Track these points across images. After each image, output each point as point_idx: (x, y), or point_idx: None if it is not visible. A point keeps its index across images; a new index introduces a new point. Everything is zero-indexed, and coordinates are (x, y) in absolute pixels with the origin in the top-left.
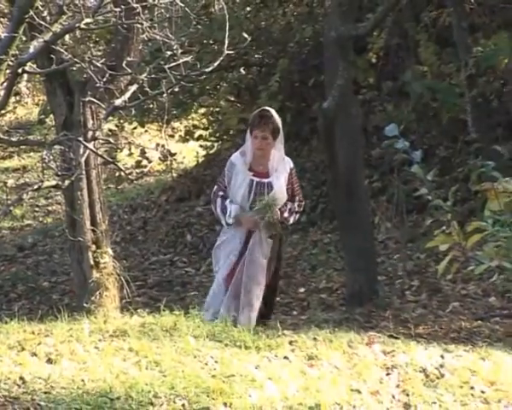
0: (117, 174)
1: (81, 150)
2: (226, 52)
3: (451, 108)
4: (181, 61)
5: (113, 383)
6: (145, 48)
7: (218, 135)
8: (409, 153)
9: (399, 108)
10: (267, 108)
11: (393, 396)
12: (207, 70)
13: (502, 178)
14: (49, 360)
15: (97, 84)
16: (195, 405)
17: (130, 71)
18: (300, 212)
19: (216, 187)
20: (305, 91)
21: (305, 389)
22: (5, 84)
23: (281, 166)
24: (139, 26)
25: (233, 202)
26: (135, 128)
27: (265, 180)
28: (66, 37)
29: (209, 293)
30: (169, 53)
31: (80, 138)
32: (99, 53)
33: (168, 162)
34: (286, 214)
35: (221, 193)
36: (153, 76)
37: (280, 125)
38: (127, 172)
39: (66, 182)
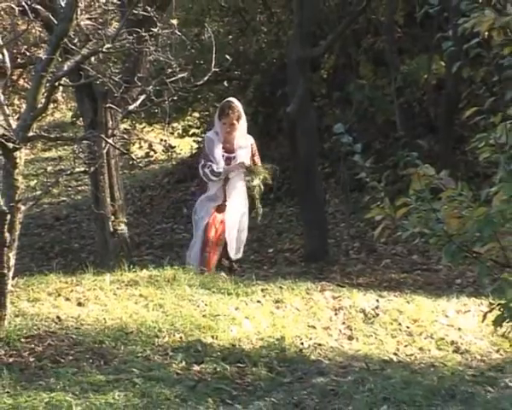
0: (130, 162)
1: (103, 144)
2: (213, 70)
3: (384, 112)
4: (179, 76)
5: (127, 320)
6: (151, 66)
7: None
8: (352, 146)
9: (345, 111)
10: (231, 99)
11: (340, 331)
12: (199, 83)
13: (422, 164)
14: (79, 304)
15: (115, 94)
16: (190, 337)
17: (140, 84)
18: None
19: (203, 160)
20: (274, 99)
21: (273, 325)
22: (45, 94)
23: (243, 143)
24: (147, 49)
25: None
26: (144, 127)
27: (232, 155)
28: (92, 58)
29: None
30: (170, 70)
31: (102, 135)
32: (116, 70)
33: (169, 153)
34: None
35: (209, 163)
36: (157, 88)
37: (241, 111)
38: (138, 160)
39: (92, 168)
